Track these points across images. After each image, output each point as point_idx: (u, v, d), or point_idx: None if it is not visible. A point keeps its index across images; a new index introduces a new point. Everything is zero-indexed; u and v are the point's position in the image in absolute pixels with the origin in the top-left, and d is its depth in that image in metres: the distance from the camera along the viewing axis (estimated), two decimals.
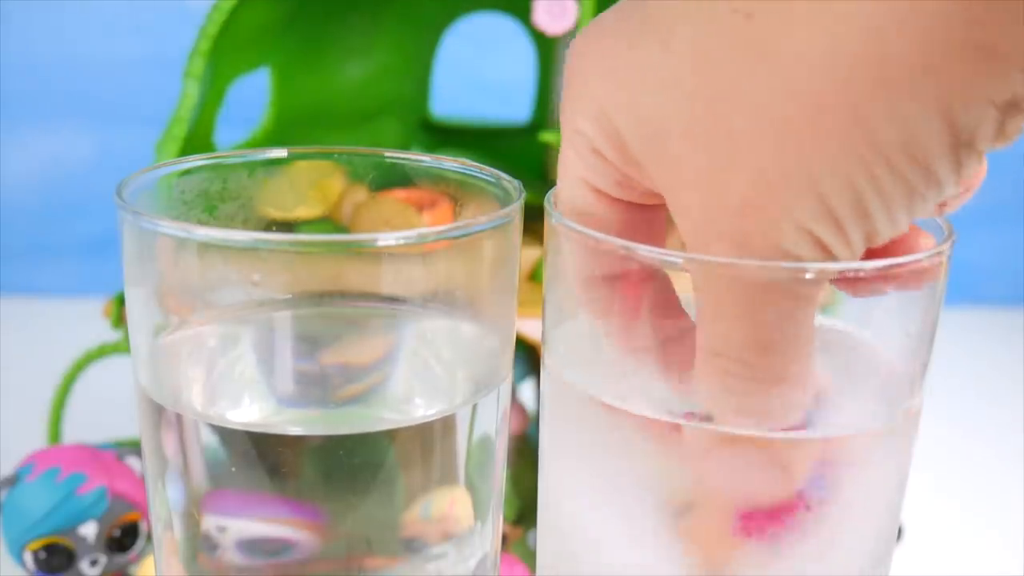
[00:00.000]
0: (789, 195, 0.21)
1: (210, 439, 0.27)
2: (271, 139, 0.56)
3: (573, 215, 0.26)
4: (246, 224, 0.31)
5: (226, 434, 0.27)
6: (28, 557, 0.47)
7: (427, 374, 0.30)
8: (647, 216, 0.26)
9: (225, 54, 0.49)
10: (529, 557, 0.50)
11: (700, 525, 0.25)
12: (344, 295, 0.29)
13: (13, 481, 0.48)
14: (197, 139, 0.49)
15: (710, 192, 0.22)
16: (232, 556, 0.27)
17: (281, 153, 0.31)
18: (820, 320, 0.24)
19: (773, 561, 0.25)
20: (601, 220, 0.25)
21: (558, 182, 0.26)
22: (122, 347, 0.54)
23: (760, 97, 0.21)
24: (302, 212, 0.32)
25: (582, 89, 0.24)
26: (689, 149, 0.22)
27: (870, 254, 0.23)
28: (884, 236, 0.22)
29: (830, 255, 0.22)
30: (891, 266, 0.23)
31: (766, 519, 0.25)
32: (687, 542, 0.26)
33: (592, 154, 0.24)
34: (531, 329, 0.49)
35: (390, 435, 0.27)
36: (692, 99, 0.22)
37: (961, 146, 0.21)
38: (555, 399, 0.28)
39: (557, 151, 0.26)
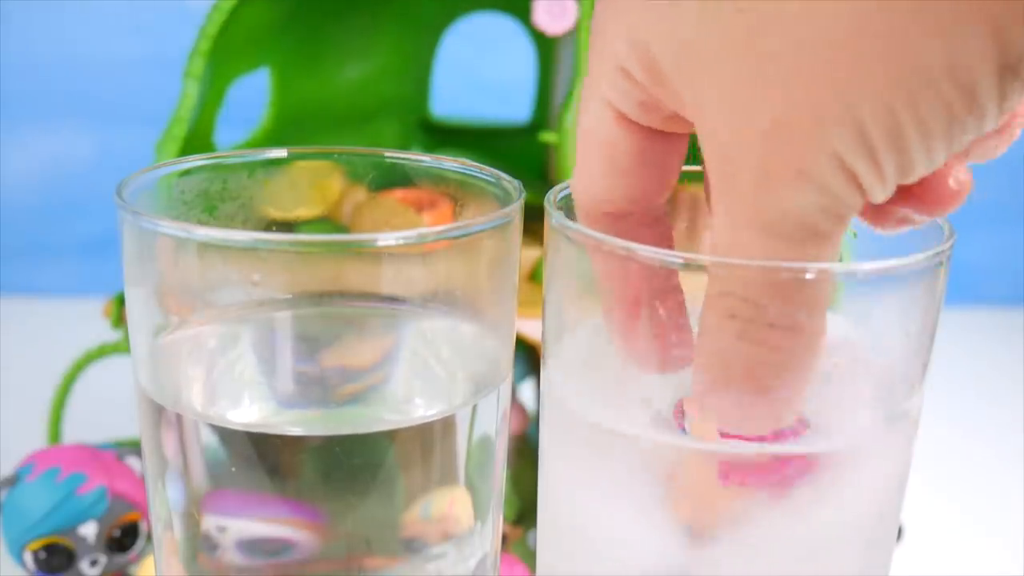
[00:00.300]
0: (823, 118, 0.20)
1: (210, 439, 0.27)
2: (271, 139, 0.56)
3: (592, 139, 0.25)
4: (246, 224, 0.31)
5: (226, 434, 0.27)
6: (28, 557, 0.47)
7: (427, 374, 0.30)
8: (665, 147, 0.25)
9: (225, 54, 0.49)
10: (529, 557, 0.50)
11: (687, 487, 0.25)
12: (344, 295, 0.29)
13: (13, 481, 0.48)
14: (197, 139, 0.49)
15: (740, 111, 0.21)
16: (232, 556, 0.27)
17: (281, 153, 0.31)
18: None
19: (770, 560, 0.25)
20: (619, 146, 0.25)
21: (580, 104, 0.26)
22: (122, 347, 0.54)
23: (800, 16, 0.20)
24: (302, 212, 0.32)
25: (616, 7, 0.23)
26: (721, 67, 0.21)
27: (900, 195, 0.22)
28: (919, 171, 0.21)
29: (859, 188, 0.21)
30: (890, 268, 0.23)
31: (750, 473, 0.24)
32: (688, 541, 0.26)
33: (619, 73, 0.24)
34: (531, 329, 0.49)
35: (390, 435, 0.27)
36: (731, 19, 0.21)
37: (1007, 70, 0.20)
38: (554, 399, 0.28)
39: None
